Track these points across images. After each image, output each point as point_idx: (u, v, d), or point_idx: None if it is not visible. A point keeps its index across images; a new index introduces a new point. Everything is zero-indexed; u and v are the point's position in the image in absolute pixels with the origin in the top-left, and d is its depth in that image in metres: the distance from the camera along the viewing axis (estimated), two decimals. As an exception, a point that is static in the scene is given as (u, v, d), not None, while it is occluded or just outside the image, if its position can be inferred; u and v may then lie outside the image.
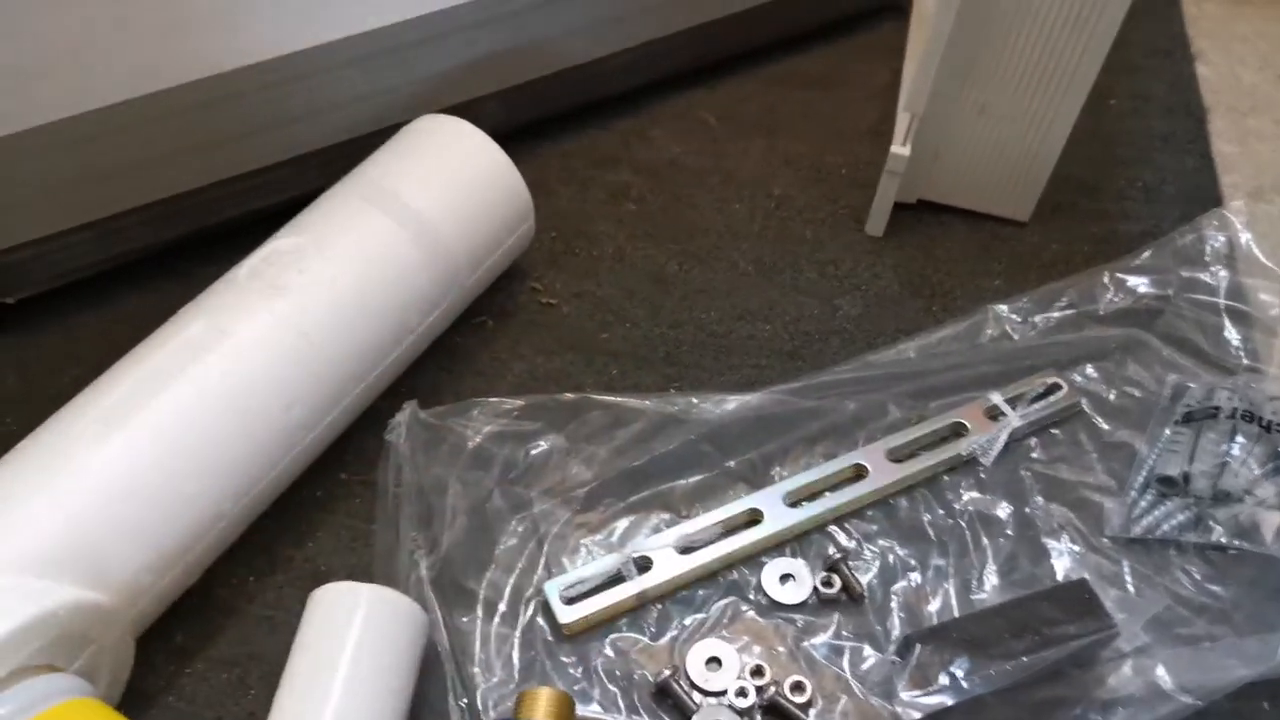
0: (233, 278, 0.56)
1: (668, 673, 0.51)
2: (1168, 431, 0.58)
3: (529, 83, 0.74)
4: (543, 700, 0.48)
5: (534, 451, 0.59)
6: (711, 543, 0.56)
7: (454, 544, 0.56)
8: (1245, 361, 0.61)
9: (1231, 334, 0.63)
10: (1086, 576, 0.53)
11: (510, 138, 0.74)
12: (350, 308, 0.56)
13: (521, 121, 0.75)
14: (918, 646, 0.48)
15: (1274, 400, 0.57)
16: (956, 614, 0.53)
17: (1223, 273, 0.65)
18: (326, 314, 0.55)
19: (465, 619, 0.53)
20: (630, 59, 0.76)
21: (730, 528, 0.57)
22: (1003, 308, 0.65)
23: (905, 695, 0.47)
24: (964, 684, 0.46)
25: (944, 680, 0.47)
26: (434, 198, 0.60)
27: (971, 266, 0.69)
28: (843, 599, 0.55)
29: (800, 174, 0.76)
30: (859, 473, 0.59)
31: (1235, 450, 0.55)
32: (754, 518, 0.57)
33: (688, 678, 0.52)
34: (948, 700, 0.46)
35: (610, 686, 0.52)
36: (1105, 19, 0.60)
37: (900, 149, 0.66)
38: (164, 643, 0.53)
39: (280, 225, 0.59)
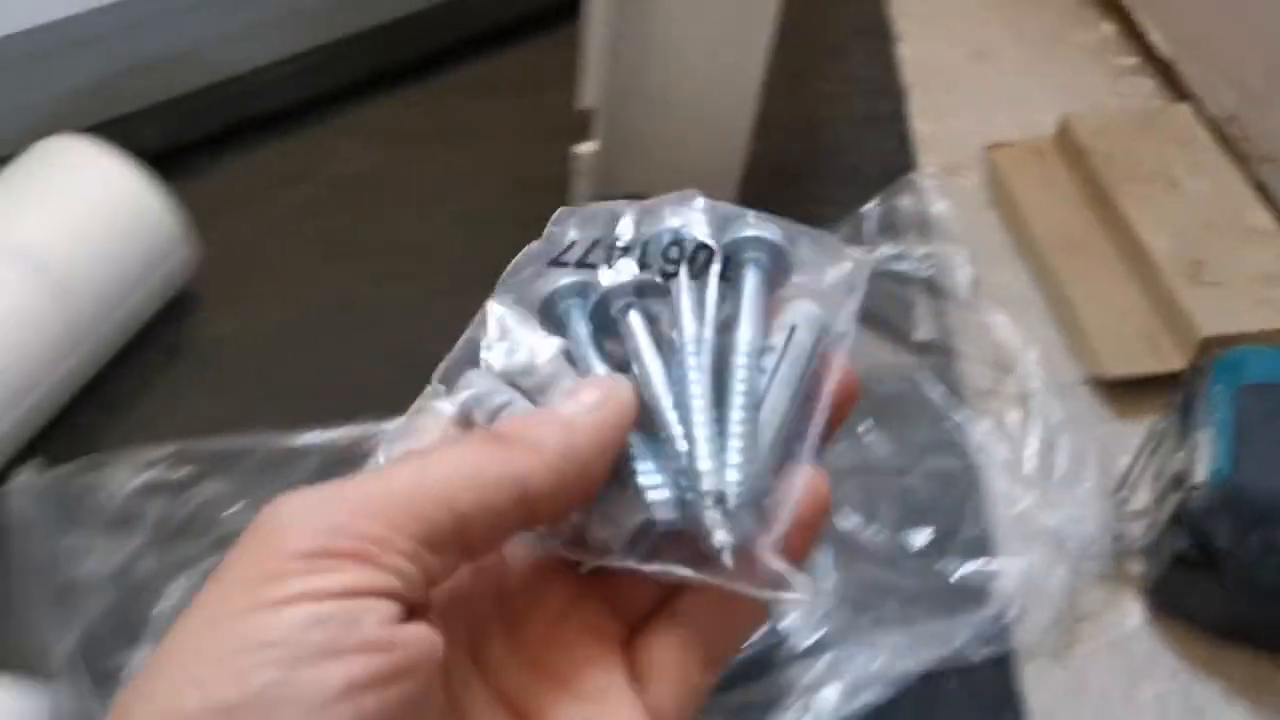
0: None
1: None
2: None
3: (189, 95, 0.67)
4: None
5: (195, 502, 0.53)
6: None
7: (96, 619, 0.49)
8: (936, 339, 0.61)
9: (924, 310, 0.63)
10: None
11: (171, 158, 0.68)
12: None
13: (184, 140, 0.69)
14: None
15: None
16: None
17: (917, 245, 0.65)
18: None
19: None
20: (306, 64, 0.71)
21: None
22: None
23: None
24: None
25: None
26: (52, 232, 0.54)
27: (677, 261, 0.67)
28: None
29: (502, 181, 0.72)
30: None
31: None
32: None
33: None
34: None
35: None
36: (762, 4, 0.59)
37: (583, 147, 0.63)
38: None
39: None
